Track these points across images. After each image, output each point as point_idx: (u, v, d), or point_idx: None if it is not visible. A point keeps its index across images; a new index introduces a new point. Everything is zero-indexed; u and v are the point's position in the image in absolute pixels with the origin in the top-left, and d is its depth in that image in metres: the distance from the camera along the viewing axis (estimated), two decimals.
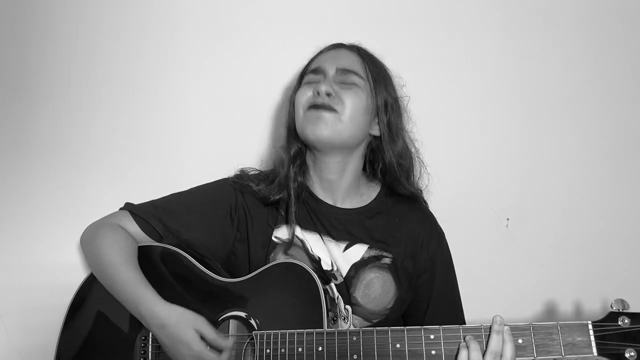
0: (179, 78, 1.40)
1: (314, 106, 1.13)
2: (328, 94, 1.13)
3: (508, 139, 1.45)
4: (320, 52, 1.23)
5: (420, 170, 1.27)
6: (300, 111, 1.16)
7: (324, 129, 1.12)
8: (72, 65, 1.37)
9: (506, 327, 0.93)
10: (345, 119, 1.13)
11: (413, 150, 1.26)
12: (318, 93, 1.13)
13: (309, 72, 1.20)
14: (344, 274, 1.15)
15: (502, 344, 0.92)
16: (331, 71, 1.17)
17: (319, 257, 1.16)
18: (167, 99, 1.40)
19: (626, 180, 1.45)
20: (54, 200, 1.34)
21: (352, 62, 1.18)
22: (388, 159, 1.20)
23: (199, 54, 1.40)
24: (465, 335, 0.94)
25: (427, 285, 1.20)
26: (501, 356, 0.92)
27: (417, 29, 1.44)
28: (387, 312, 1.15)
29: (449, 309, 1.21)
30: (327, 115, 1.12)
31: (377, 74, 1.19)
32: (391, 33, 1.43)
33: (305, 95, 1.16)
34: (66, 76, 1.37)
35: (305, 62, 1.26)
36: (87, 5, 1.38)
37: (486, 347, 0.93)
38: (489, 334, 0.93)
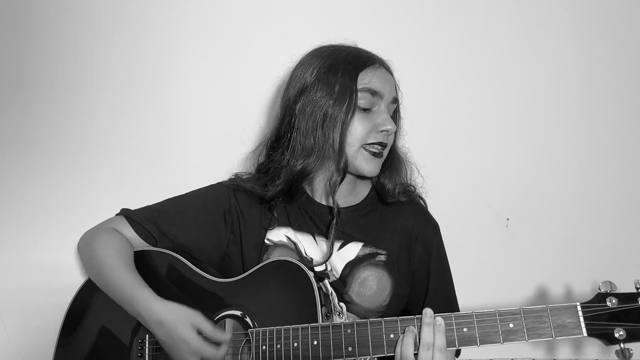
0: (178, 80, 1.41)
1: (374, 147, 1.12)
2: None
3: (508, 139, 1.46)
4: (370, 64, 1.14)
5: (408, 172, 1.27)
6: (356, 144, 1.12)
7: (378, 169, 1.15)
8: (72, 65, 1.39)
9: (437, 319, 0.95)
10: (386, 152, 1.17)
11: (404, 156, 1.27)
12: (387, 131, 1.12)
13: (366, 90, 1.11)
14: (339, 273, 1.15)
15: (433, 335, 0.94)
16: (388, 99, 1.15)
17: (311, 259, 1.16)
18: (166, 100, 1.41)
19: (623, 179, 1.46)
20: (54, 201, 1.35)
21: (395, 89, 1.19)
22: (386, 182, 1.22)
23: (199, 57, 1.42)
24: (407, 327, 0.96)
25: (424, 280, 1.20)
26: (433, 346, 0.94)
27: (415, 28, 1.45)
28: (383, 310, 1.15)
29: (444, 303, 1.21)
30: (380, 160, 1.15)
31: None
32: (390, 31, 1.44)
33: (366, 130, 1.11)
34: (66, 77, 1.39)
35: None
36: (85, 5, 1.39)
37: (419, 340, 0.95)
38: (420, 326, 0.95)
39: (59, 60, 1.38)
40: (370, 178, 1.21)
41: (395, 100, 1.18)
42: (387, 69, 1.18)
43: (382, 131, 1.12)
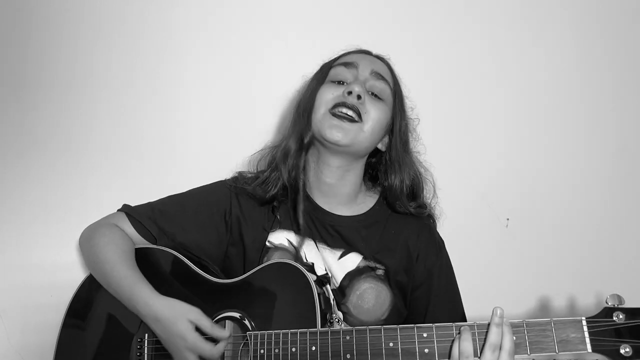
0: (180, 79, 1.41)
1: (339, 111, 1.09)
2: (359, 97, 1.10)
3: (508, 139, 1.45)
4: (350, 52, 1.19)
5: (433, 191, 1.24)
6: (322, 109, 1.11)
7: (342, 136, 1.10)
8: (72, 65, 1.38)
9: (506, 320, 0.91)
10: (367, 129, 1.12)
11: (422, 170, 1.24)
12: (349, 93, 1.10)
13: (339, 65, 1.14)
14: (338, 282, 1.14)
15: (501, 337, 0.90)
16: (365, 71, 1.13)
17: (312, 263, 1.15)
18: (167, 99, 1.40)
19: (625, 180, 1.45)
20: (54, 200, 1.35)
21: (385, 71, 1.17)
22: (392, 180, 1.18)
23: (200, 56, 1.41)
24: (461, 327, 0.93)
25: (424, 297, 1.17)
26: (500, 349, 0.90)
27: (415, 28, 1.45)
28: (380, 324, 1.12)
29: (449, 320, 1.18)
30: (348, 126, 1.10)
31: (400, 92, 1.20)
32: (392, 36, 1.43)
33: (331, 94, 1.12)
34: (66, 77, 1.38)
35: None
36: (85, 5, 1.39)
37: (485, 340, 0.90)
38: (489, 326, 0.91)
39: (59, 60, 1.38)
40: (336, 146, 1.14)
41: (379, 76, 1.14)
42: (372, 55, 1.19)
43: (347, 93, 1.10)
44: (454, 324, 0.94)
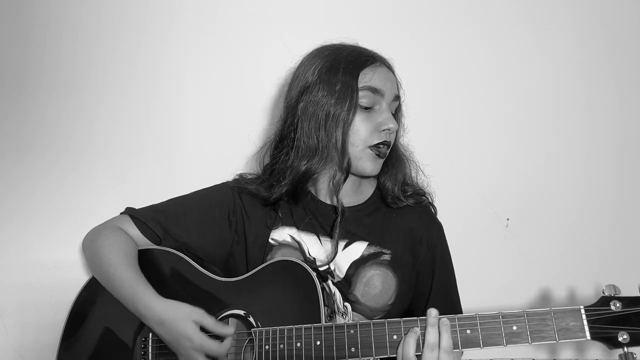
0: (180, 80, 1.41)
1: (379, 149, 1.13)
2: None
3: (508, 139, 1.46)
4: (371, 63, 1.14)
5: (413, 172, 1.26)
6: (360, 145, 1.12)
7: (378, 168, 1.15)
8: (72, 65, 1.39)
9: (444, 319, 0.94)
10: (388, 152, 1.17)
11: (407, 154, 1.26)
12: (389, 130, 1.12)
13: (366, 89, 1.11)
14: (344, 272, 1.15)
15: (438, 336, 0.94)
16: (390, 97, 1.14)
17: (314, 259, 1.16)
18: (167, 100, 1.41)
19: (623, 178, 1.46)
20: (54, 200, 1.35)
21: (397, 87, 1.18)
22: (385, 181, 1.21)
23: (200, 56, 1.41)
24: (411, 327, 0.96)
25: (427, 279, 1.20)
26: (439, 348, 0.93)
27: (415, 28, 1.45)
28: (388, 309, 1.15)
29: (447, 303, 1.20)
30: (384, 158, 1.16)
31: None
32: (389, 31, 1.44)
33: (368, 130, 1.12)
34: (66, 77, 1.38)
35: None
36: (86, 5, 1.39)
37: (423, 341, 0.94)
38: (425, 327, 0.95)
39: (59, 60, 1.38)
40: (371, 177, 1.21)
41: (397, 98, 1.17)
42: (389, 67, 1.18)
43: (384, 130, 1.12)
44: (456, 316, 0.96)
